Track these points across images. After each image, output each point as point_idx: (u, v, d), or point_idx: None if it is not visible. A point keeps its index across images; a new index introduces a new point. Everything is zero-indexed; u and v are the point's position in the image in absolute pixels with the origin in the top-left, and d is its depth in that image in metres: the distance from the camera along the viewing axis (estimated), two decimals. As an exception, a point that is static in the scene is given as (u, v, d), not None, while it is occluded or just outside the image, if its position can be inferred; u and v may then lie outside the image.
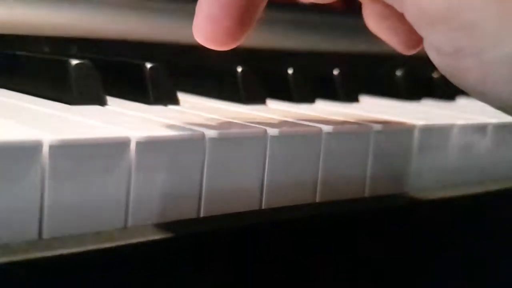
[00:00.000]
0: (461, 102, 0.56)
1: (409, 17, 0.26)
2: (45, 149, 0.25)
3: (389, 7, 0.28)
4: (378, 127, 0.35)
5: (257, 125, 0.32)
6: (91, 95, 0.35)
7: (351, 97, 0.48)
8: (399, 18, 0.28)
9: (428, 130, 0.38)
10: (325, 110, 0.41)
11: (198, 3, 0.30)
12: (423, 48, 0.31)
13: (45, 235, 0.25)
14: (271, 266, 0.31)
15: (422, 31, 0.26)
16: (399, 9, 0.26)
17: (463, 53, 0.25)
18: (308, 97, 0.45)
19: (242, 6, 0.30)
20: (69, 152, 0.25)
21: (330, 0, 0.30)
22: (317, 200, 0.34)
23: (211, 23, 0.30)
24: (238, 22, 0.30)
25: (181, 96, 0.40)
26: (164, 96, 0.38)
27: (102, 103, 0.36)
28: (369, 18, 0.34)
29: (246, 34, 0.31)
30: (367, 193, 0.35)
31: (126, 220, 0.27)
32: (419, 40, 0.32)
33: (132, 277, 0.26)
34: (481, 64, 0.25)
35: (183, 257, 0.28)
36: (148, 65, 0.38)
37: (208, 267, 0.28)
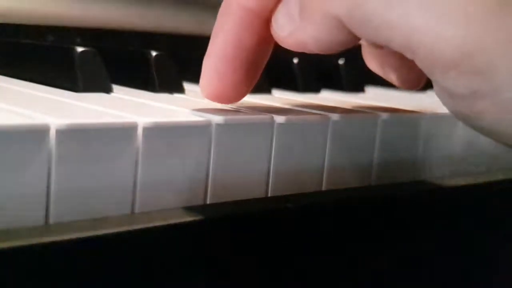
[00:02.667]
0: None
1: (421, 64, 0.26)
2: (52, 134, 0.25)
3: (390, 50, 0.27)
4: (385, 115, 0.35)
5: (263, 113, 0.32)
6: (96, 83, 0.35)
7: (357, 87, 0.48)
8: (401, 58, 0.28)
9: (435, 119, 0.38)
10: (331, 100, 0.41)
11: (205, 60, 0.31)
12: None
13: (52, 221, 0.25)
14: (276, 254, 0.30)
15: (433, 76, 0.26)
16: (409, 56, 0.26)
17: (478, 95, 0.25)
18: (313, 87, 0.45)
19: (248, 61, 0.30)
20: (76, 136, 0.25)
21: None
22: (323, 188, 0.33)
23: (218, 79, 0.30)
24: (244, 76, 0.30)
25: (186, 85, 0.40)
26: (169, 84, 0.38)
27: (108, 90, 0.36)
28: (369, 58, 0.34)
29: (252, 87, 0.31)
30: (373, 181, 0.35)
31: (133, 205, 0.27)
32: (419, 78, 0.32)
33: (138, 263, 0.26)
34: (497, 104, 0.24)
35: (189, 244, 0.28)
36: (154, 53, 0.38)
37: (213, 254, 0.28)
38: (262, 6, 0.29)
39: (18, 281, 0.23)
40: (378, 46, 0.28)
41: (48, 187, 0.25)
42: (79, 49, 0.35)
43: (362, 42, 0.33)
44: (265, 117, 0.31)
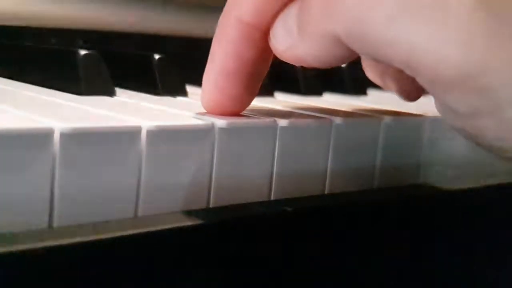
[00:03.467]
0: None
1: (421, 81, 0.25)
2: (56, 137, 0.25)
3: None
4: (388, 118, 0.35)
5: (266, 116, 0.32)
6: (99, 86, 0.35)
7: (360, 90, 0.48)
8: (401, 70, 0.28)
9: (438, 122, 0.38)
10: (333, 103, 0.41)
11: (205, 74, 0.31)
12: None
13: (56, 224, 0.25)
14: (278, 258, 0.30)
15: (435, 94, 0.25)
16: (409, 73, 0.26)
17: (480, 114, 0.24)
18: (316, 90, 0.45)
19: (248, 74, 0.30)
20: (80, 140, 0.25)
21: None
22: (326, 191, 0.33)
23: (218, 93, 0.30)
24: (244, 89, 0.30)
25: (189, 88, 0.40)
26: (172, 87, 0.38)
27: (111, 93, 0.36)
28: (369, 69, 0.34)
29: (253, 98, 0.31)
30: (376, 184, 0.35)
31: (136, 209, 0.27)
32: (420, 89, 0.32)
33: (142, 267, 0.26)
34: (500, 122, 0.24)
35: (192, 247, 0.28)
36: (157, 56, 0.38)
37: (216, 257, 0.28)
38: (260, 20, 0.29)
39: (21, 284, 0.23)
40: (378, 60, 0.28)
41: (51, 190, 0.25)
42: (82, 52, 0.35)
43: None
44: (268, 120, 0.31)
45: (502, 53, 0.24)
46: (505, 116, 0.24)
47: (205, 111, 0.32)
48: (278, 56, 0.30)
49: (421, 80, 0.25)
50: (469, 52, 0.24)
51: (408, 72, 0.26)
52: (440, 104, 0.26)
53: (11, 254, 0.23)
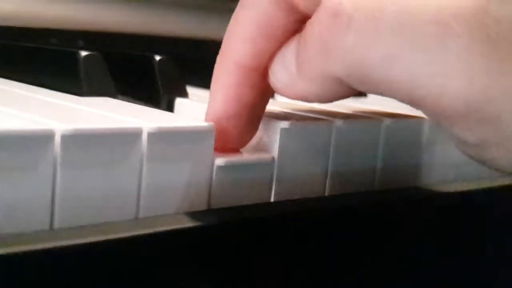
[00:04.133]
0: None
1: (428, 115, 0.26)
2: (57, 139, 0.25)
3: None
4: (388, 120, 0.35)
5: (267, 118, 0.32)
6: (100, 87, 0.35)
7: (359, 92, 0.48)
8: None
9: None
10: (333, 104, 0.41)
11: (206, 113, 0.30)
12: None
13: (56, 226, 0.25)
14: (277, 260, 0.30)
15: (443, 126, 0.25)
16: (414, 107, 0.26)
17: (489, 144, 0.24)
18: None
19: (249, 114, 0.30)
20: (81, 142, 0.25)
21: None
22: (327, 193, 0.33)
23: (220, 135, 0.30)
24: (247, 128, 0.30)
25: (189, 89, 0.40)
26: (172, 88, 0.38)
27: (112, 95, 0.36)
28: None
29: (255, 134, 0.31)
30: (376, 186, 0.35)
31: (137, 211, 0.27)
32: None
33: (143, 268, 0.26)
34: (507, 151, 0.24)
35: (193, 249, 0.28)
36: (157, 57, 0.38)
37: (217, 259, 0.28)
38: (258, 61, 0.29)
39: (22, 286, 0.23)
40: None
41: (53, 192, 0.25)
42: (83, 53, 0.36)
43: None
44: (268, 122, 0.31)
45: (504, 82, 0.23)
46: None
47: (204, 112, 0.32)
48: (279, 93, 0.30)
49: (426, 113, 0.25)
50: (471, 84, 0.23)
51: (412, 106, 0.25)
52: (449, 135, 0.26)
53: (12, 255, 0.23)
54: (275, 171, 0.31)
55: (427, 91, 0.24)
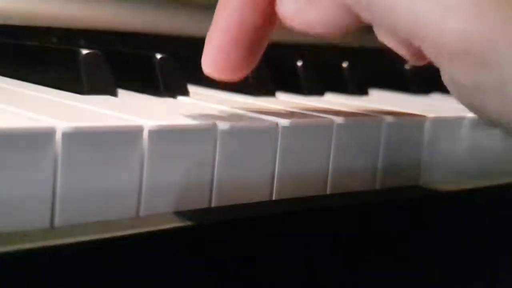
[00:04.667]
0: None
1: (427, 51, 0.25)
2: (58, 137, 0.25)
3: None
4: (389, 119, 0.35)
5: (268, 116, 0.32)
6: (101, 85, 0.35)
7: (361, 90, 0.48)
8: None
9: (439, 122, 0.38)
10: (335, 103, 0.41)
11: (208, 35, 0.30)
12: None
13: (57, 224, 0.25)
14: (279, 258, 0.30)
15: (440, 65, 0.25)
16: (415, 43, 0.26)
17: (483, 88, 0.24)
18: (317, 90, 0.45)
19: (251, 39, 0.30)
20: (82, 140, 0.25)
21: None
22: (328, 191, 0.33)
23: (220, 57, 0.30)
24: (247, 53, 0.30)
25: (190, 88, 0.40)
26: (174, 87, 0.38)
27: (113, 93, 0.36)
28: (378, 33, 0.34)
29: (255, 64, 0.31)
30: (377, 185, 0.35)
31: (138, 209, 0.27)
32: None
33: (143, 266, 0.26)
34: (501, 98, 0.24)
35: (194, 247, 0.28)
36: (158, 56, 0.38)
37: (218, 257, 0.28)
38: None
39: (23, 284, 0.23)
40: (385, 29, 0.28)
41: (53, 190, 0.25)
42: (84, 51, 0.35)
43: None
44: (269, 120, 0.31)
45: (507, 26, 0.23)
46: (507, 91, 0.24)
47: (207, 111, 0.32)
48: (284, 22, 0.29)
49: (426, 50, 0.25)
50: (474, 23, 0.23)
51: (414, 42, 0.25)
52: (446, 77, 0.26)
53: (12, 254, 0.23)
54: (277, 169, 0.31)
55: (428, 26, 0.24)
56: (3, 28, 0.44)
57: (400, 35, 0.26)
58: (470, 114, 0.40)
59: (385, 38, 0.33)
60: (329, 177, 0.33)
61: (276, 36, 0.56)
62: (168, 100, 0.36)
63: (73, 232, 0.25)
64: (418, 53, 0.32)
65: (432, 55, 0.25)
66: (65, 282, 0.24)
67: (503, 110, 0.24)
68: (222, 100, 0.38)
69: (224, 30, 0.30)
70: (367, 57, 0.58)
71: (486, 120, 0.26)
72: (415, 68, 0.54)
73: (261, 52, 0.31)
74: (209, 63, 0.30)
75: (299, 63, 0.46)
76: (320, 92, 0.45)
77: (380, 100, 0.46)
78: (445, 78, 0.26)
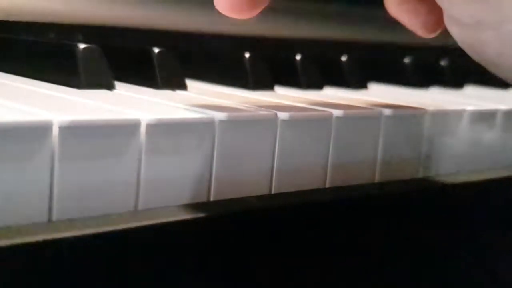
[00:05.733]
0: (469, 90, 0.55)
1: None
2: (55, 130, 0.25)
3: None
4: (388, 112, 0.35)
5: (267, 109, 0.32)
6: (99, 79, 0.35)
7: (360, 84, 0.48)
8: (420, 0, 0.28)
9: (439, 115, 0.37)
10: (334, 96, 0.41)
11: None
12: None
13: (55, 218, 0.25)
14: (278, 252, 0.30)
15: (443, 4, 0.26)
16: None
17: (483, 25, 0.25)
18: (316, 84, 0.45)
19: None
20: (79, 133, 0.25)
21: None
22: (327, 185, 0.33)
23: None
24: None
25: (188, 82, 0.40)
26: (172, 81, 0.38)
27: (110, 87, 0.35)
28: (390, 3, 0.34)
29: (265, 4, 0.30)
30: (377, 178, 0.35)
31: (136, 202, 0.27)
32: (438, 22, 0.32)
33: (141, 260, 0.26)
34: (500, 36, 0.25)
35: (192, 241, 0.27)
36: (156, 50, 0.38)
37: (216, 251, 0.28)
38: None
39: (21, 278, 0.23)
40: None
41: (51, 184, 0.25)
42: (82, 45, 0.35)
43: None
44: (268, 113, 0.31)
45: None
46: (506, 30, 0.24)
47: (205, 104, 0.32)
48: None
49: None
50: None
51: None
52: (447, 17, 0.26)
53: (10, 248, 0.23)
54: (275, 162, 0.31)
55: None
56: (0, 23, 0.44)
57: None
58: (470, 107, 0.40)
59: (392, 9, 0.33)
60: (328, 170, 0.33)
61: (275, 31, 0.55)
62: (166, 94, 0.36)
63: (71, 226, 0.24)
64: (425, 19, 0.32)
65: None
66: (62, 276, 0.24)
67: (501, 49, 0.25)
68: (220, 94, 0.37)
69: None
70: (366, 51, 0.57)
71: (486, 64, 0.26)
72: (414, 62, 0.54)
73: None
74: (221, 1, 0.30)
75: (298, 57, 0.46)
76: (319, 86, 0.45)
77: (379, 93, 0.46)
78: (447, 20, 0.27)
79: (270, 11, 0.33)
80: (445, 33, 0.29)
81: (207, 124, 0.29)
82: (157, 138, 0.27)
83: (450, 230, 0.37)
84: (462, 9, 0.25)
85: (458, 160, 0.39)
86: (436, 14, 0.28)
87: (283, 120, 0.31)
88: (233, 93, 0.39)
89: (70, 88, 0.34)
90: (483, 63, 0.27)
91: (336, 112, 0.33)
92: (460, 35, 0.26)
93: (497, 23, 0.25)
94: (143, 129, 0.27)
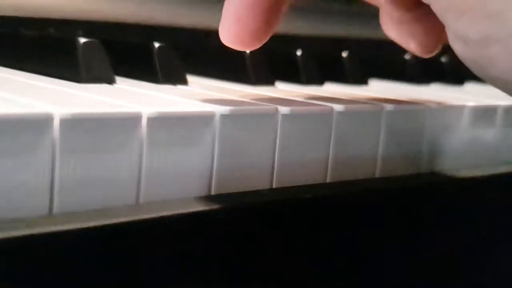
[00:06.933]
0: (470, 86, 0.55)
1: (436, 7, 0.26)
2: (56, 123, 0.24)
3: (408, 11, 0.27)
4: (389, 107, 0.35)
5: (268, 103, 0.32)
6: (99, 74, 0.35)
7: (360, 80, 0.48)
8: (417, 20, 0.28)
9: (440, 111, 0.37)
10: (334, 92, 0.41)
11: (225, 5, 0.30)
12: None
13: (56, 211, 0.25)
14: (277, 247, 0.30)
15: (448, 20, 0.26)
16: (426, 1, 0.26)
17: (490, 41, 0.25)
18: (316, 79, 0.45)
19: (268, 8, 0.30)
20: (80, 126, 0.25)
21: None
22: (328, 180, 0.33)
23: (238, 26, 0.30)
24: (264, 24, 0.30)
25: (189, 77, 0.39)
26: (172, 75, 0.38)
27: (111, 81, 0.35)
28: (387, 23, 0.34)
29: (270, 35, 0.31)
30: (378, 173, 0.35)
31: (137, 196, 0.27)
32: (436, 42, 0.32)
33: (142, 254, 0.26)
34: (508, 51, 0.24)
35: (193, 235, 0.27)
36: (157, 45, 0.38)
37: (217, 245, 0.28)
38: None
39: (21, 270, 0.23)
40: (396, 8, 0.27)
41: (52, 176, 0.25)
42: (82, 40, 0.35)
43: (381, 7, 0.33)
44: (269, 108, 0.31)
45: None
46: None
47: (205, 98, 0.32)
48: None
49: (435, 7, 0.26)
50: None
51: None
52: (452, 34, 0.26)
53: (11, 240, 0.23)
54: (276, 156, 0.31)
55: None
56: (1, 18, 0.44)
57: None
58: (470, 103, 0.40)
59: (389, 28, 0.33)
60: (329, 165, 0.33)
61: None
62: (167, 89, 0.36)
63: (72, 219, 0.24)
64: (424, 40, 0.32)
65: (441, 10, 0.26)
66: (63, 269, 0.24)
67: (508, 65, 0.25)
68: (221, 89, 0.37)
69: None
70: (367, 47, 0.57)
71: (492, 80, 0.26)
72: (414, 59, 0.53)
73: (277, 23, 0.31)
74: (226, 31, 0.30)
75: (299, 53, 0.45)
76: (319, 81, 0.45)
77: (379, 89, 0.46)
78: (451, 37, 0.26)
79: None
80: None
81: (208, 118, 0.29)
82: (158, 131, 0.27)
83: (450, 225, 0.37)
84: (468, 26, 0.25)
85: (459, 155, 0.39)
86: (434, 34, 0.27)
87: (284, 115, 0.31)
88: (234, 88, 0.39)
89: (70, 82, 0.34)
90: (488, 79, 0.26)
91: (337, 107, 0.33)
92: (464, 52, 0.26)
93: (504, 38, 0.24)
94: (144, 122, 0.27)
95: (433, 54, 0.33)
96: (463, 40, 0.26)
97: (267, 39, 0.31)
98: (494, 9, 0.24)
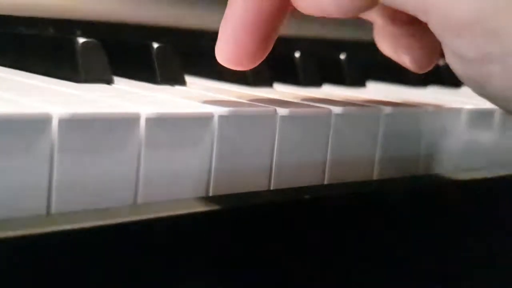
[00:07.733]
0: (467, 89, 0.55)
1: (434, 25, 0.26)
2: (55, 123, 0.24)
3: (403, 28, 0.27)
4: (388, 109, 0.35)
5: (266, 105, 0.32)
6: (98, 74, 0.35)
7: (358, 82, 0.48)
8: (413, 36, 0.28)
9: (437, 114, 0.37)
10: (333, 94, 0.41)
11: (222, 26, 0.30)
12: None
13: (54, 211, 0.25)
14: (275, 248, 0.30)
15: (445, 39, 0.26)
16: (423, 18, 0.26)
17: (488, 59, 0.25)
18: (315, 81, 0.45)
19: (265, 28, 0.30)
20: (79, 126, 0.25)
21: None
22: (325, 181, 0.33)
23: (234, 45, 0.30)
24: (261, 44, 0.30)
25: (188, 78, 0.40)
26: (171, 76, 0.38)
27: (109, 81, 0.35)
28: (382, 40, 0.34)
29: (266, 54, 0.31)
30: (375, 175, 0.35)
31: (135, 196, 0.27)
32: (431, 58, 0.32)
33: (140, 254, 0.26)
34: (506, 69, 0.24)
35: (191, 235, 0.27)
36: (155, 45, 0.38)
37: (214, 246, 0.28)
38: None
39: (19, 270, 0.23)
40: (391, 23, 0.27)
41: (50, 177, 0.25)
42: (81, 40, 0.35)
43: (376, 22, 0.34)
44: (268, 109, 0.31)
45: None
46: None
47: (204, 99, 0.32)
48: (298, 7, 0.29)
49: (433, 25, 0.26)
50: None
51: (421, 17, 0.26)
52: (450, 52, 0.26)
53: (8, 240, 0.23)
54: (274, 158, 0.31)
55: None
56: (0, 18, 0.44)
57: (409, 8, 0.26)
58: (468, 106, 0.40)
59: (385, 46, 0.33)
60: (327, 167, 0.33)
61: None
62: (165, 89, 0.36)
63: (70, 219, 0.24)
64: (420, 56, 0.32)
65: (439, 29, 0.25)
66: (60, 269, 0.24)
67: (508, 83, 0.25)
68: (220, 90, 0.37)
69: (239, 18, 0.30)
70: (365, 50, 0.57)
71: (490, 98, 0.26)
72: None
73: (273, 42, 0.31)
74: (222, 51, 0.31)
75: (297, 54, 0.46)
76: (317, 83, 0.45)
77: (377, 92, 0.46)
78: (449, 55, 0.26)
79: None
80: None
81: (207, 119, 0.29)
82: (156, 132, 0.27)
83: (448, 227, 0.37)
84: (466, 44, 0.25)
85: (456, 158, 0.39)
86: (429, 50, 0.27)
87: (283, 116, 0.31)
88: (233, 89, 0.39)
89: (69, 82, 0.34)
90: (485, 96, 0.26)
91: (336, 109, 0.33)
92: (462, 69, 0.26)
93: (502, 55, 0.24)
94: (142, 122, 0.27)
95: (428, 69, 0.33)
96: (460, 58, 0.25)
97: (264, 58, 0.31)
98: (492, 27, 0.24)
